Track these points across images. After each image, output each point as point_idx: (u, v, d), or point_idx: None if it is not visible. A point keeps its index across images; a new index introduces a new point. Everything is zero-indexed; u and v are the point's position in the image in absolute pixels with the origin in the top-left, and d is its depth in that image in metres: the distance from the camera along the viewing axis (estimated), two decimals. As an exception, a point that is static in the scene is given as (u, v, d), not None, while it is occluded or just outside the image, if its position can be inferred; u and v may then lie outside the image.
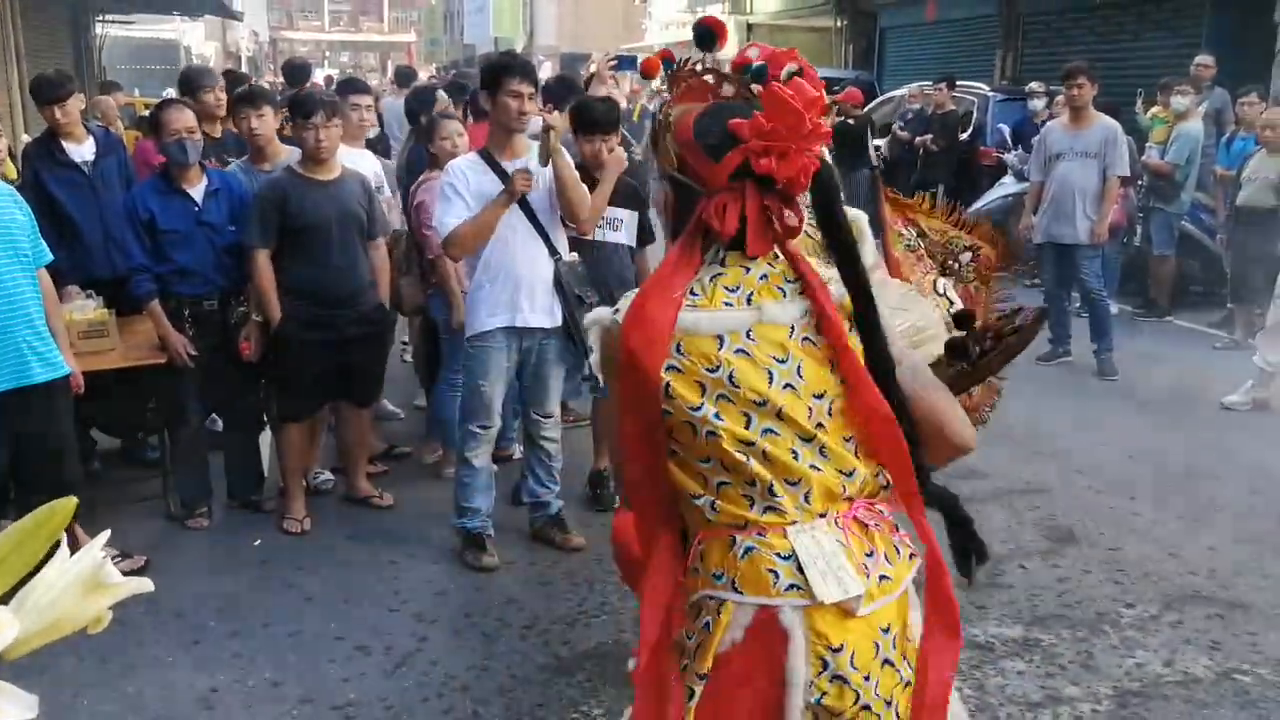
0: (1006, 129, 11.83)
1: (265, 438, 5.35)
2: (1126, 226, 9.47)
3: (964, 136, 12.31)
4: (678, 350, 1.83)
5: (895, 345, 1.95)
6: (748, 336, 1.84)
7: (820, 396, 1.85)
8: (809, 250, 2.42)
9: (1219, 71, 10.16)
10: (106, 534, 1.00)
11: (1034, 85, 11.73)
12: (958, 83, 12.68)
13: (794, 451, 1.82)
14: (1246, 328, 8.15)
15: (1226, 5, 12.01)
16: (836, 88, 13.50)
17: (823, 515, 1.83)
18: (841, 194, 1.91)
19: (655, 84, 2.06)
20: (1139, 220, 9.65)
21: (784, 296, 1.87)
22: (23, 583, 0.97)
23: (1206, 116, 9.58)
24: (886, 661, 1.82)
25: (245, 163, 5.33)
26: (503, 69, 4.42)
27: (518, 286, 4.43)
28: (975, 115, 12.57)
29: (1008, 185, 10.92)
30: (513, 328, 4.48)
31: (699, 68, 1.94)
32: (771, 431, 1.81)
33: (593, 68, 8.48)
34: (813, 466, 1.82)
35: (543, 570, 4.59)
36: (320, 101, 4.94)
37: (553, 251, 4.52)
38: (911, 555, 1.92)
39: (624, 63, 12.24)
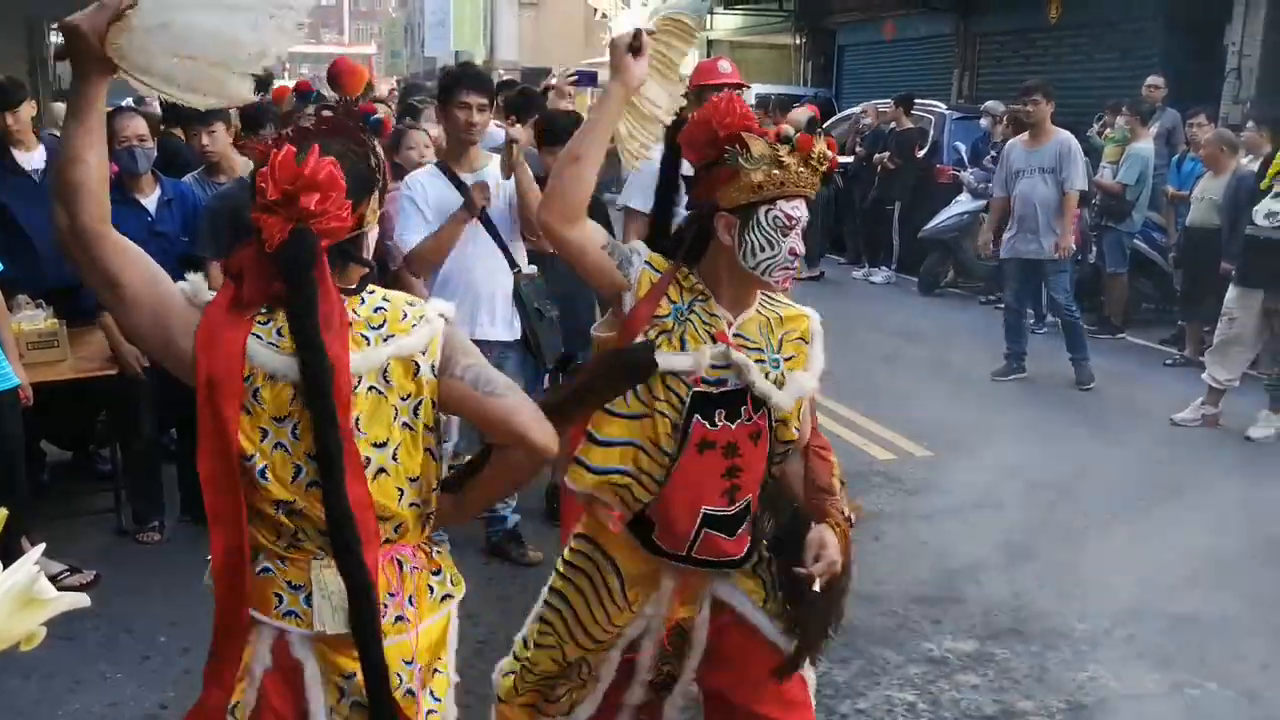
0: (963, 147, 11.95)
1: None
2: (1080, 244, 9.59)
3: (920, 154, 12.40)
4: (254, 396, 1.82)
5: (471, 360, 2.10)
6: None
7: (381, 446, 1.88)
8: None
9: (1171, 92, 10.32)
10: (41, 548, 0.97)
11: (990, 104, 11.84)
12: (915, 101, 12.78)
13: None
14: (1196, 345, 8.27)
15: (1179, 27, 12.20)
16: (796, 104, 13.59)
17: None
18: (309, 276, 1.85)
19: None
20: (1092, 238, 9.78)
21: (368, 345, 1.88)
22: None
23: (1158, 137, 9.73)
24: (409, 692, 1.91)
25: (199, 175, 5.27)
26: (454, 80, 4.44)
27: (477, 299, 4.40)
28: (932, 134, 12.67)
29: (964, 203, 11.05)
30: (472, 340, 4.44)
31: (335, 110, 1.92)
32: (318, 485, 1.81)
33: (552, 80, 8.46)
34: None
35: (500, 585, 4.56)
36: (271, 114, 4.90)
37: (512, 264, 4.50)
38: (445, 597, 2.03)
39: (583, 78, 12.25)
